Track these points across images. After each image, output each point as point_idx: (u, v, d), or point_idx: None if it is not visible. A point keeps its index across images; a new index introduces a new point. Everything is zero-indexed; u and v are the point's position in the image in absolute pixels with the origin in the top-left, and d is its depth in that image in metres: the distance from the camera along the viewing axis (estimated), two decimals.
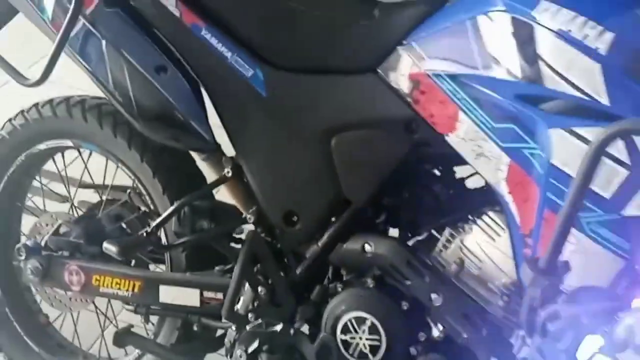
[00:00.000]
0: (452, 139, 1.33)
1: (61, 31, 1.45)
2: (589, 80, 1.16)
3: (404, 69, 1.36)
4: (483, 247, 1.38)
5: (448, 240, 1.42)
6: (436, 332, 1.42)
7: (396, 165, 1.41)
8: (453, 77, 1.31)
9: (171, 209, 1.52)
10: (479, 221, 1.39)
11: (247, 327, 1.50)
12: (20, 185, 1.88)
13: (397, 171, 1.42)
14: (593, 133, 1.15)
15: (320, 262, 1.50)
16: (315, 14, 1.45)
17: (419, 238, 1.46)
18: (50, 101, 1.74)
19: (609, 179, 1.17)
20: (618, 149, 1.16)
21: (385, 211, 1.48)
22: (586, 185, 1.10)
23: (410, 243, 1.46)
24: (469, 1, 1.33)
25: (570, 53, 1.18)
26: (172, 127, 1.49)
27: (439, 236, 1.43)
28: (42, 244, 1.73)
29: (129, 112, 1.49)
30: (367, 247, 1.44)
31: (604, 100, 1.16)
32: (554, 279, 1.17)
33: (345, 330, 1.46)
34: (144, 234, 1.51)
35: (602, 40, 1.15)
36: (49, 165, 1.89)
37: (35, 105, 1.76)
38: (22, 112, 1.78)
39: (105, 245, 1.46)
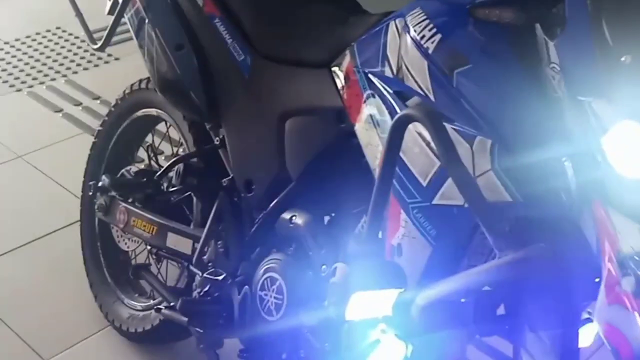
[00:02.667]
0: (357, 128, 1.49)
1: (118, 8, 1.86)
2: (422, 78, 1.28)
3: (343, 66, 1.55)
4: None
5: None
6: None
7: (324, 149, 1.59)
8: (365, 72, 1.47)
9: (168, 164, 1.84)
10: None
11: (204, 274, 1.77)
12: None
13: (328, 156, 1.60)
14: None
15: (268, 227, 1.71)
16: (301, 13, 1.70)
17: (341, 217, 1.61)
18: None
19: (427, 169, 1.27)
20: None
21: (319, 190, 1.65)
22: (389, 163, 1.23)
23: (329, 220, 1.62)
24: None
25: (413, 52, 1.30)
26: (176, 95, 1.81)
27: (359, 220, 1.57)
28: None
29: (153, 79, 1.84)
30: (294, 219, 1.63)
31: (432, 96, 1.27)
32: (368, 252, 1.30)
33: (263, 287, 1.66)
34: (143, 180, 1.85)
35: (432, 40, 1.27)
36: None
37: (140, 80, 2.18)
38: (131, 86, 2.21)
39: (104, 177, 1.83)
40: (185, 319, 1.74)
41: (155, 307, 2.02)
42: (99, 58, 3.66)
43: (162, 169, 1.88)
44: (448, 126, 1.22)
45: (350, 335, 1.29)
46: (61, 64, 3.61)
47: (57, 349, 2.20)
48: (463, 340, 1.30)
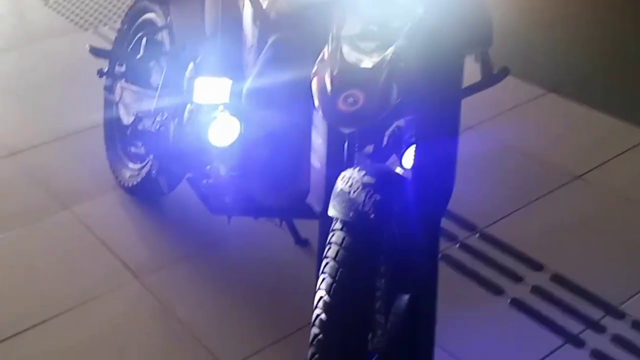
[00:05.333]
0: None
1: None
2: None
3: None
4: None
5: None
6: None
7: (227, 17, 2.20)
8: None
9: (135, 38, 2.50)
10: None
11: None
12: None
13: (230, 22, 2.20)
14: None
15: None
16: None
17: None
18: None
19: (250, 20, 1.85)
20: None
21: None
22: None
23: None
24: None
25: None
26: None
27: None
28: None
29: None
30: None
31: None
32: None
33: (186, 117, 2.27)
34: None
35: None
36: None
37: None
38: None
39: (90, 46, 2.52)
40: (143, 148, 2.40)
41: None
42: None
43: (132, 43, 2.54)
44: None
45: (197, 114, 1.89)
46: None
47: (80, 200, 2.92)
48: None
